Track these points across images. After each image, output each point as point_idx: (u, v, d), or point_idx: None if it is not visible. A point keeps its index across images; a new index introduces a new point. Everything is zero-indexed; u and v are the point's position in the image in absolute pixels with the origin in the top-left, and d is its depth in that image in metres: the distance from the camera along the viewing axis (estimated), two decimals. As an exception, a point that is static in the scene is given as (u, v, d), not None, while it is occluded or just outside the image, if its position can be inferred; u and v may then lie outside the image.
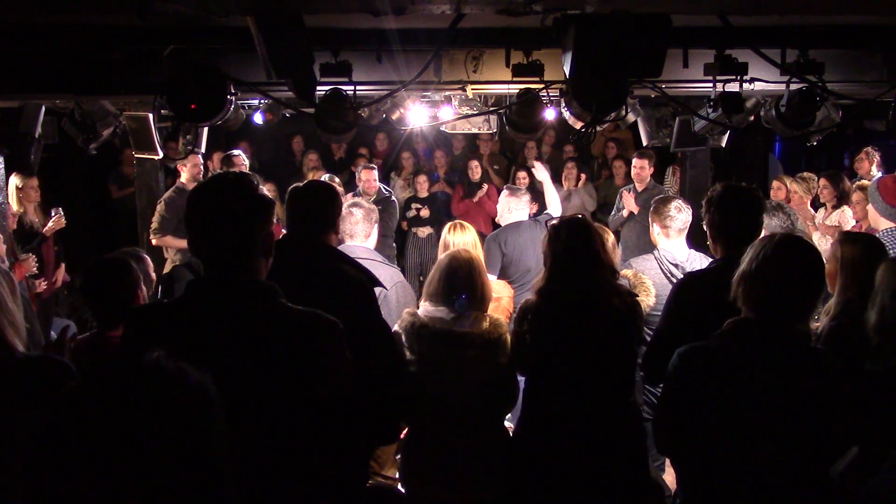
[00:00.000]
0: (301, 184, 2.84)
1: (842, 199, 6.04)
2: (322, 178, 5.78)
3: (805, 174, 6.65)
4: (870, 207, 4.12)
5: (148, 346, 1.17)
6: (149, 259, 3.25)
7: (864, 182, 5.72)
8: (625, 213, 6.57)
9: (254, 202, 1.77)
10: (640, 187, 6.61)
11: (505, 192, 4.95)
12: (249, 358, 1.69)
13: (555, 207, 5.08)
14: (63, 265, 5.87)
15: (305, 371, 1.71)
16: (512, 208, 4.78)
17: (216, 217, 1.74)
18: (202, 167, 6.15)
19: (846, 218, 5.84)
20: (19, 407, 1.76)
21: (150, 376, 1.08)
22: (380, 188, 6.68)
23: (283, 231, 2.82)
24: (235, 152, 6.68)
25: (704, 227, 2.95)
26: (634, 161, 6.70)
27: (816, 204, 6.46)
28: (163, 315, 1.82)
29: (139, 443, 1.02)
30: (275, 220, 1.83)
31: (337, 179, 5.89)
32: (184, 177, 6.02)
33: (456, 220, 4.00)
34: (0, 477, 1.68)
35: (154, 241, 5.81)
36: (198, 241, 1.77)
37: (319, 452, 1.76)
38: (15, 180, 5.32)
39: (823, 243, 5.36)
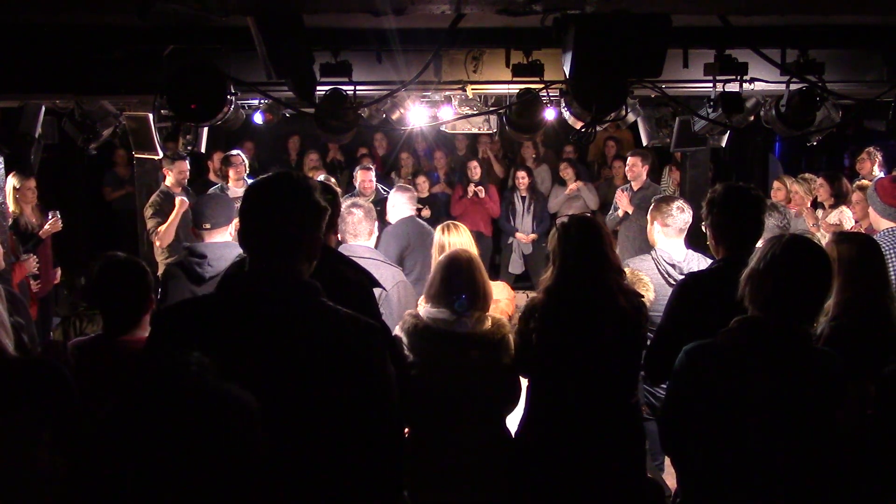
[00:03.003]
0: None
1: (838, 198, 6.05)
2: (319, 179, 5.78)
3: (806, 175, 6.66)
4: (870, 209, 4.13)
5: (183, 353, 1.16)
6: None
7: (865, 182, 5.72)
8: (620, 212, 6.58)
9: (307, 205, 1.79)
10: (635, 186, 6.62)
11: (394, 189, 5.20)
12: (289, 353, 1.68)
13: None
14: (59, 269, 5.84)
15: (346, 372, 1.71)
16: (397, 203, 5.05)
17: (268, 213, 1.78)
18: (188, 173, 6.15)
19: (845, 217, 5.85)
20: (7, 408, 1.76)
21: (191, 398, 1.07)
22: (378, 188, 6.68)
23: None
24: (234, 152, 6.70)
25: (704, 229, 2.95)
26: (627, 159, 6.73)
27: (816, 204, 6.47)
28: (195, 313, 1.81)
29: (180, 462, 1.02)
30: (324, 227, 1.85)
31: (333, 180, 5.90)
32: (169, 180, 6.02)
33: (448, 221, 4.01)
34: None
35: (159, 243, 5.79)
36: (247, 234, 1.81)
37: (355, 459, 1.75)
38: (12, 181, 5.30)
39: (824, 242, 5.36)
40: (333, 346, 1.72)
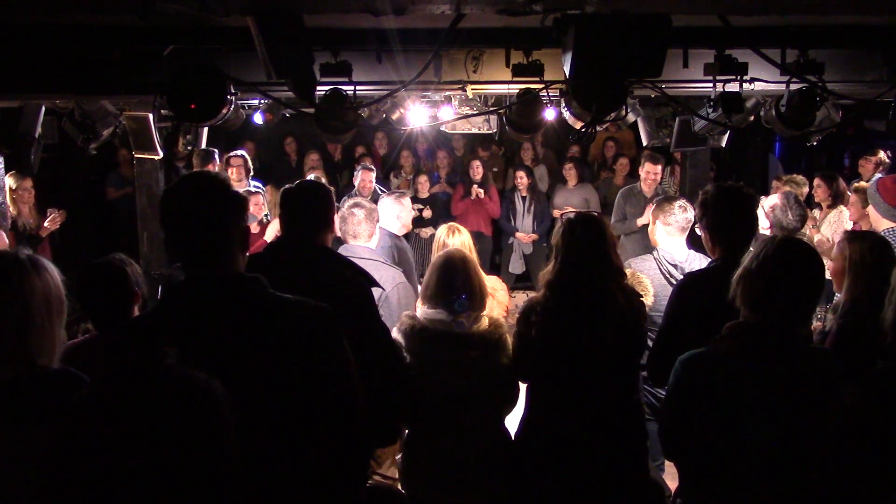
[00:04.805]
0: (292, 185, 2.79)
1: (836, 199, 6.04)
2: (310, 177, 5.78)
3: (785, 177, 6.59)
4: (870, 209, 4.12)
5: (154, 351, 1.16)
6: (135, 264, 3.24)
7: (862, 184, 5.69)
8: (640, 221, 6.42)
9: (228, 198, 1.79)
10: (648, 192, 6.46)
11: (390, 199, 4.63)
12: (246, 352, 1.68)
13: None
14: None
15: (302, 359, 1.72)
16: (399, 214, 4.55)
17: (194, 215, 1.76)
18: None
19: (844, 218, 5.84)
20: (30, 419, 1.75)
21: (161, 385, 1.08)
22: (375, 189, 6.70)
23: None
24: (236, 152, 6.70)
25: (699, 231, 2.95)
26: (648, 166, 6.43)
27: (812, 204, 6.45)
28: (152, 325, 1.80)
29: (152, 450, 1.02)
30: (248, 217, 1.84)
31: (324, 179, 5.89)
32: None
33: (451, 224, 4.00)
34: (9, 487, 1.67)
35: None
36: (177, 242, 1.78)
37: (320, 447, 1.75)
38: (8, 181, 5.28)
39: (822, 245, 5.36)
40: (284, 335, 1.72)
